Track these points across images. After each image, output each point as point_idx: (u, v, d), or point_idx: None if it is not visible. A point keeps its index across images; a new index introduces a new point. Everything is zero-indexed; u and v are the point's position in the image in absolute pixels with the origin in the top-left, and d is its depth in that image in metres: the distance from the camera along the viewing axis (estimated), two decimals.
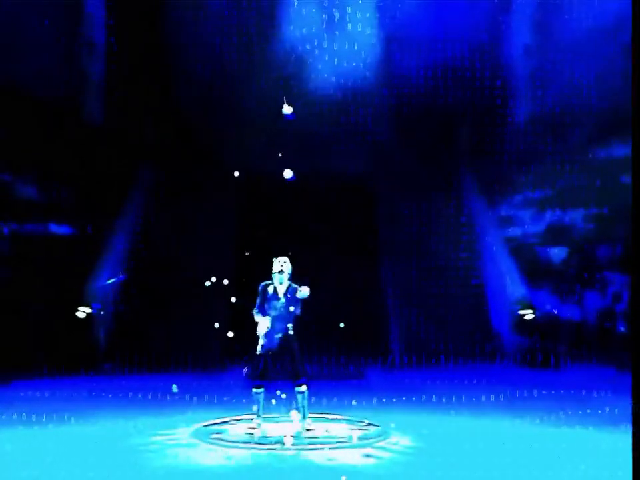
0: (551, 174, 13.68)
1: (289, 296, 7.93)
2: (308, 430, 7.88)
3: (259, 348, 7.89)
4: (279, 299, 7.94)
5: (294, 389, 7.99)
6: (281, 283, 7.97)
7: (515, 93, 13.86)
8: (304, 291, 7.78)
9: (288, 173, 8.86)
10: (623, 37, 12.99)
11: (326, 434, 7.83)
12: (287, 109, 8.88)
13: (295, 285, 7.96)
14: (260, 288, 8.01)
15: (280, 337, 7.90)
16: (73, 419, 8.71)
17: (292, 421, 8.11)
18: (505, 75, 13.83)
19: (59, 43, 13.14)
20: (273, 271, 8.01)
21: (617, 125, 13.23)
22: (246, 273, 12.42)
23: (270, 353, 7.88)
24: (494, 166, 13.89)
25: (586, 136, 13.50)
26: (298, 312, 7.97)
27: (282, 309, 7.92)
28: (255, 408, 8.05)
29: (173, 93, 13.45)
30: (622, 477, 6.01)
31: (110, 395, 10.50)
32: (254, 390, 7.97)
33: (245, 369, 10.98)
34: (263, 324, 7.86)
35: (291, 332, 7.93)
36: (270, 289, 7.97)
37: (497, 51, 13.80)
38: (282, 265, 7.99)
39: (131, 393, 10.54)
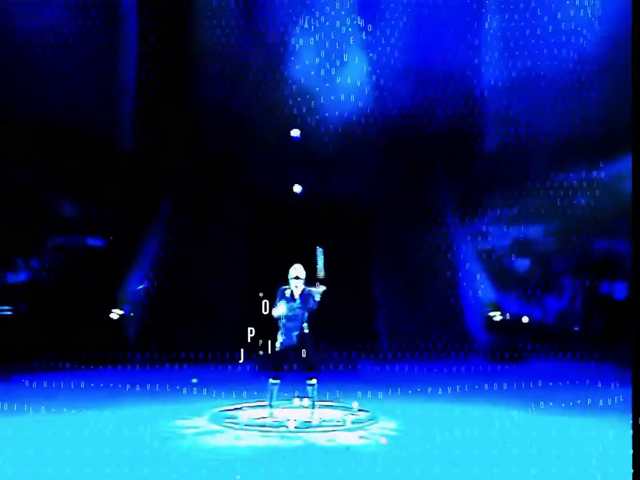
0: (516, 195, 13.73)
1: (304, 298, 7.94)
2: (315, 417, 7.85)
3: (277, 344, 7.92)
4: (295, 300, 7.94)
5: (305, 381, 8.00)
6: (296, 287, 7.97)
7: (486, 125, 13.90)
8: (319, 288, 7.90)
9: (297, 188, 8.96)
10: (581, 74, 13.09)
11: (322, 419, 7.85)
12: (295, 132, 9.05)
13: (308, 288, 7.99)
14: (279, 291, 8.01)
15: (297, 335, 7.90)
16: (106, 405, 8.77)
17: (296, 407, 8.18)
18: (478, 109, 13.86)
19: (97, 83, 13.18)
20: (289, 276, 8.01)
21: (572, 153, 13.35)
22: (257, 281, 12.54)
23: (287, 348, 7.91)
24: (468, 188, 13.96)
25: (546, 163, 13.58)
26: (314, 306, 7.95)
27: (297, 310, 7.92)
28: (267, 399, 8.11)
29: (196, 124, 13.42)
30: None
31: (138, 385, 10.43)
32: (271, 380, 7.97)
33: (263, 363, 10.96)
34: (282, 306, 7.88)
35: (306, 330, 7.93)
36: (287, 293, 7.96)
37: (472, 88, 13.81)
38: (298, 272, 8.01)
39: (157, 384, 10.48)
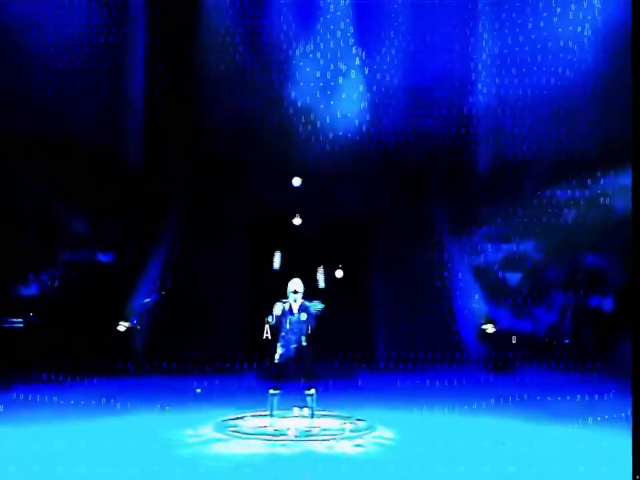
0: (508, 212, 13.75)
1: (301, 311, 7.98)
2: (314, 427, 7.86)
3: (277, 356, 7.97)
4: (293, 314, 7.99)
5: (304, 391, 8.03)
6: (295, 301, 8.01)
7: (480, 144, 13.94)
8: (317, 307, 7.95)
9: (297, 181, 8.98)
10: (575, 93, 13.15)
11: (320, 428, 7.84)
12: (296, 181, 9.12)
13: (306, 303, 8.05)
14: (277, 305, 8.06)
15: (295, 347, 7.95)
16: (112, 414, 8.81)
17: (296, 416, 8.18)
18: (472, 129, 13.89)
19: (106, 103, 13.23)
20: (288, 290, 8.05)
21: (561, 173, 13.44)
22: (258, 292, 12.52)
23: (287, 360, 7.94)
24: (462, 205, 13.98)
25: (536, 181, 13.65)
26: (312, 324, 8.00)
27: (296, 323, 7.96)
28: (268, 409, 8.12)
29: (200, 142, 13.38)
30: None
31: (144, 394, 10.46)
32: (270, 391, 8.01)
33: (264, 374, 10.96)
34: (278, 307, 7.95)
35: (304, 343, 7.97)
36: (286, 306, 8.01)
37: (465, 108, 13.81)
38: (296, 286, 8.07)
39: (163, 393, 10.57)
